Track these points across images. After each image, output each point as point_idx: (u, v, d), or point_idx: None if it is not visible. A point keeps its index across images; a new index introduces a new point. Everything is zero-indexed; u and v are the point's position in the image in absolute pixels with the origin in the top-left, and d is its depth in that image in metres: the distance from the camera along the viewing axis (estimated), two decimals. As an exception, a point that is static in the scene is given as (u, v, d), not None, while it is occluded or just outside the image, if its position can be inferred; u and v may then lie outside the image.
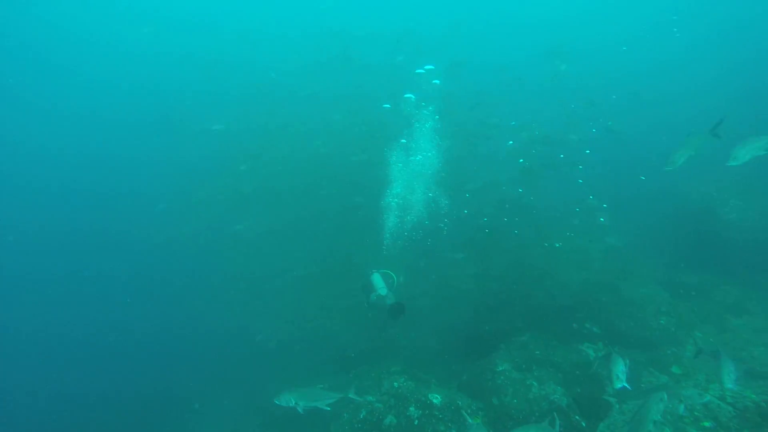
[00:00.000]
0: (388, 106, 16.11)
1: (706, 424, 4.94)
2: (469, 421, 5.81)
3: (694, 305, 8.79)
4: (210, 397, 10.73)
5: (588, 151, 15.04)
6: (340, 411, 7.25)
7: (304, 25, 26.19)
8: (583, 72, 20.39)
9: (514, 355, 7.12)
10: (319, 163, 15.01)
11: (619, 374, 4.85)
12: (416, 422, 6.25)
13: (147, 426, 10.77)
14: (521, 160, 14.31)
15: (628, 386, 4.87)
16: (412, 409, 6.40)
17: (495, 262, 10.64)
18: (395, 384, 6.93)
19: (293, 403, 5.97)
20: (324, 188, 14.18)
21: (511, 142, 15.43)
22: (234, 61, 25.11)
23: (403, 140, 11.92)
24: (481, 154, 14.83)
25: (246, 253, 13.88)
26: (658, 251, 11.60)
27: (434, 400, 6.36)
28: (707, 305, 8.90)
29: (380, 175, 11.16)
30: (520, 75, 18.93)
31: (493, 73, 19.66)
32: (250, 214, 14.77)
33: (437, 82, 15.99)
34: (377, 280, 7.79)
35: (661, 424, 5.00)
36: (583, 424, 5.66)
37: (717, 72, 23.01)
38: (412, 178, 11.05)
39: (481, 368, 7.17)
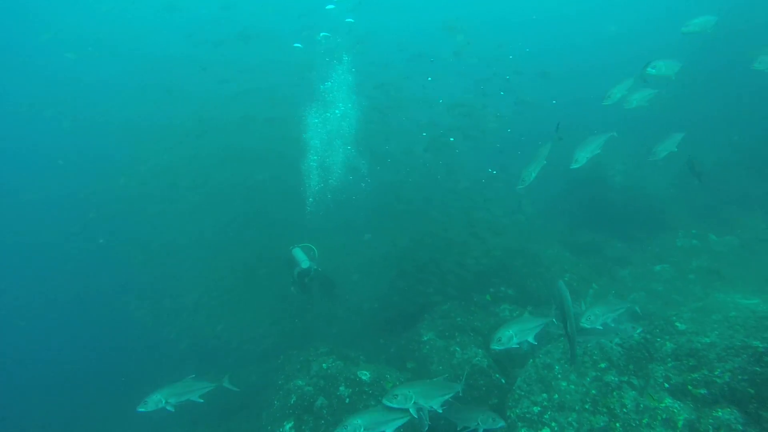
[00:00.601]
0: (299, 45, 15.17)
1: (602, 365, 5.55)
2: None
3: (590, 261, 9.90)
4: (132, 397, 9.72)
5: (499, 126, 15.79)
6: (271, 399, 7.02)
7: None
8: (485, 47, 20.87)
9: (438, 324, 7.41)
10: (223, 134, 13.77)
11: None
12: (347, 400, 6.24)
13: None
14: (438, 128, 14.47)
15: (533, 340, 5.25)
16: (342, 388, 6.36)
17: (418, 233, 10.77)
18: (324, 365, 6.81)
19: (163, 402, 5.61)
20: (230, 161, 13.07)
21: (433, 107, 15.49)
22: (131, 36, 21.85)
23: (328, 83, 11.39)
24: (394, 126, 14.75)
25: (138, 249, 12.39)
26: (561, 215, 12.82)
27: (363, 377, 6.37)
28: (600, 261, 10.10)
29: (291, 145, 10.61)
30: (421, 51, 18.80)
31: (395, 48, 19.35)
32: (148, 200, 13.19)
33: (351, 20, 15.29)
34: (298, 253, 7.79)
35: (567, 371, 5.55)
36: (503, 381, 6.10)
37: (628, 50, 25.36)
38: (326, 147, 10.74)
39: (407, 339, 7.35)
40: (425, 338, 7.11)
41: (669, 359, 5.19)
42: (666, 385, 4.82)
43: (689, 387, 4.65)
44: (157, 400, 5.57)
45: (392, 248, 10.37)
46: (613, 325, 5.36)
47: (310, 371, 6.87)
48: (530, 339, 5.14)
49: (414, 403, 4.49)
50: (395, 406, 4.47)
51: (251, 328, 9.56)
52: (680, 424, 4.36)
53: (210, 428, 8.41)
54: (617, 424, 4.66)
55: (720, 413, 4.24)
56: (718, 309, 6.41)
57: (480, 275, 9.02)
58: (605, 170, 13.55)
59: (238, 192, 12.38)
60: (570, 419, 4.94)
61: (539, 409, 5.16)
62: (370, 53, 17.37)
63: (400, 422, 4.62)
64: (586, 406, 4.98)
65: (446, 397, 4.88)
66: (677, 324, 5.90)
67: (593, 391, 5.10)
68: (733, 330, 5.24)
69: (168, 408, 5.60)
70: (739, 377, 4.39)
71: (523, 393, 5.41)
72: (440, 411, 4.76)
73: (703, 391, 4.53)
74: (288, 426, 6.28)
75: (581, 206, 13.05)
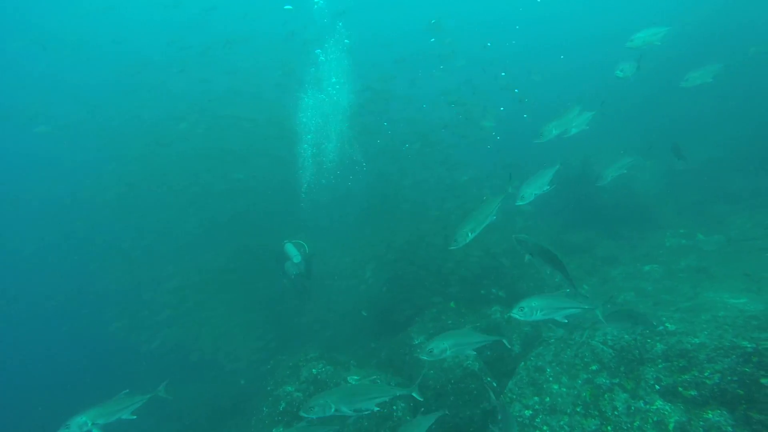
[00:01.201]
0: (289, 7, 14.96)
1: (594, 367, 5.53)
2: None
3: (581, 261, 9.91)
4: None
5: (496, 129, 15.59)
6: (260, 405, 6.92)
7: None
8: (473, 47, 20.44)
9: (428, 327, 7.34)
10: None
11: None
12: (377, 407, 6.13)
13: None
14: (441, 124, 14.31)
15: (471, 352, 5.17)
16: (332, 393, 6.27)
17: (416, 232, 10.39)
18: (314, 371, 6.74)
19: (89, 425, 5.03)
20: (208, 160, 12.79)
21: (425, 105, 15.36)
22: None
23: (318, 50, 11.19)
24: (386, 125, 14.57)
25: (120, 257, 12.02)
26: (553, 215, 12.84)
27: (353, 382, 6.29)
28: (591, 260, 10.12)
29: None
30: (409, 51, 18.33)
31: (378, 50, 19.01)
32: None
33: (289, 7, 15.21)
34: (290, 248, 8.09)
35: (559, 374, 5.52)
36: (495, 384, 6.05)
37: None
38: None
39: (398, 343, 7.27)
40: (416, 342, 7.04)
41: (659, 360, 5.17)
42: (657, 386, 4.80)
43: (680, 389, 4.63)
44: (82, 423, 5.01)
45: (387, 249, 10.18)
46: (565, 320, 5.15)
47: (300, 377, 6.78)
48: (469, 352, 5.04)
49: (336, 410, 4.33)
50: (314, 416, 4.31)
51: (237, 336, 9.34)
52: (671, 426, 4.34)
53: (198, 436, 8.27)
54: (609, 427, 4.63)
55: (710, 415, 4.23)
56: (708, 308, 6.45)
57: (472, 277, 8.93)
58: (595, 170, 13.61)
59: (223, 194, 12.15)
60: (562, 423, 4.91)
61: (531, 412, 5.12)
62: (357, 53, 17.18)
63: None
64: (578, 409, 4.95)
65: (383, 398, 4.81)
66: (667, 324, 5.91)
67: (584, 394, 5.07)
68: (722, 330, 5.25)
69: (94, 431, 5.07)
70: (729, 378, 4.39)
71: (514, 396, 5.36)
72: (376, 409, 4.65)
73: (693, 392, 4.52)
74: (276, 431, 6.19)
75: (572, 206, 13.10)
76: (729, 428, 4.03)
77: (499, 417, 5.16)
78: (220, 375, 8.57)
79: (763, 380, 4.17)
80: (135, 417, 5.44)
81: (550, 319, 4.86)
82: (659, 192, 13.13)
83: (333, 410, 4.30)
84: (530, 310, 4.71)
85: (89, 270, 12.19)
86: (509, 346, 5.51)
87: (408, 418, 5.74)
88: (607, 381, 5.14)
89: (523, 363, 5.72)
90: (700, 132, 15.09)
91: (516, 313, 4.73)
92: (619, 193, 12.97)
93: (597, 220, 12.06)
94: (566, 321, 4.99)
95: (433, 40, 17.94)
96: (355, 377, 6.34)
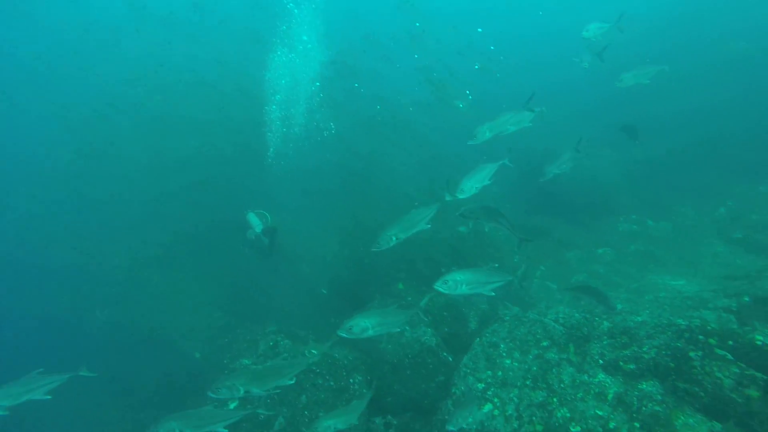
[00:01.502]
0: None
1: (544, 343, 5.77)
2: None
3: (539, 244, 10.23)
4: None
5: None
6: (216, 378, 6.80)
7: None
8: (442, 29, 20.04)
9: (388, 304, 7.39)
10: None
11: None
12: (294, 379, 6.14)
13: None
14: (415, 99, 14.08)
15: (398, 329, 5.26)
16: (289, 368, 6.23)
17: (384, 212, 10.39)
18: (271, 344, 6.67)
19: None
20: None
21: (397, 82, 15.09)
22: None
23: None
24: (355, 102, 14.25)
25: (66, 231, 11.25)
26: (518, 200, 13.14)
27: (311, 357, 6.26)
28: (548, 243, 10.48)
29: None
30: (372, 32, 17.66)
31: (342, 31, 18.35)
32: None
33: None
34: (252, 218, 8.16)
35: (511, 349, 5.73)
36: (450, 359, 6.21)
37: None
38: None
39: (359, 319, 7.29)
40: (376, 318, 7.07)
41: (605, 337, 5.46)
42: (600, 361, 5.07)
43: (620, 363, 4.92)
44: None
45: (355, 227, 9.98)
46: (492, 293, 5.07)
47: (258, 350, 6.70)
48: (393, 329, 5.08)
49: (246, 392, 4.30)
50: (221, 397, 4.29)
51: (191, 311, 9.07)
52: (610, 397, 4.61)
53: (152, 410, 8.06)
54: (554, 399, 4.86)
55: (644, 386, 4.52)
56: (651, 290, 6.85)
57: (434, 257, 9.03)
58: (554, 157, 13.94)
59: (179, 162, 11.54)
60: (511, 395, 5.11)
61: (483, 385, 5.29)
62: (328, 27, 16.50)
63: (228, 422, 4.45)
64: (527, 383, 5.15)
65: (298, 370, 4.93)
66: (616, 304, 6.24)
67: (534, 368, 5.29)
68: (661, 309, 5.60)
69: None
70: (663, 352, 4.70)
71: (468, 370, 5.52)
72: (291, 382, 4.72)
73: (632, 366, 4.80)
74: (232, 405, 6.11)
75: (535, 192, 13.41)
76: (659, 396, 4.34)
77: (453, 390, 5.32)
78: (173, 349, 8.33)
79: (691, 353, 4.49)
80: (50, 397, 5.05)
81: (477, 293, 4.82)
82: (618, 181, 13.70)
83: (242, 392, 4.23)
84: (454, 283, 4.62)
85: (32, 244, 11.35)
86: (424, 317, 5.56)
87: (364, 390, 5.81)
88: (556, 356, 5.38)
89: (478, 339, 5.88)
90: (666, 126, 15.73)
91: (440, 286, 4.63)
92: (582, 182, 13.40)
93: (560, 206, 12.44)
94: (493, 294, 5.01)
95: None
96: (314, 351, 6.33)
